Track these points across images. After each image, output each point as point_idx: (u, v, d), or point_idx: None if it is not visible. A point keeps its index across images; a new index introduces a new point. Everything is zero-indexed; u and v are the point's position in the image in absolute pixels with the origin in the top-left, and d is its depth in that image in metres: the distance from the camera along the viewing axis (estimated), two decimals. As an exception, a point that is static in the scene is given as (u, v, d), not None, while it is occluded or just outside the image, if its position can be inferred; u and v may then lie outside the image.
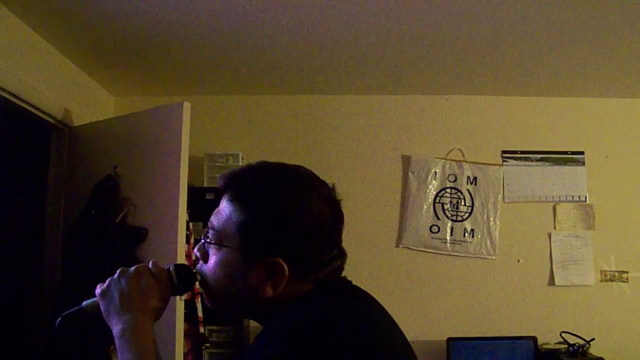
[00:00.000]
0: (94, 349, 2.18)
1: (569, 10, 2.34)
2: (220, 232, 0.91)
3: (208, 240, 0.92)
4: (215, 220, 0.93)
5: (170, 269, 1.00)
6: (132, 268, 0.97)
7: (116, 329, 0.92)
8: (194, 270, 0.99)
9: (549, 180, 3.43)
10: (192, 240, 2.74)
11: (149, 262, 0.99)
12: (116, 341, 0.91)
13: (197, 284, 0.98)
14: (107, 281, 0.97)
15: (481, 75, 3.16)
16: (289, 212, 0.87)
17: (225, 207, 0.92)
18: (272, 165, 0.95)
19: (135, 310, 0.92)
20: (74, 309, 0.99)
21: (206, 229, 0.95)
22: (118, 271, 0.97)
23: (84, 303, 0.99)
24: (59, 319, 0.98)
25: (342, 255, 0.93)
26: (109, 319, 0.94)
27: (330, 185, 0.94)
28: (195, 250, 0.96)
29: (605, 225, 3.38)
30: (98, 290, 0.97)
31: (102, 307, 0.95)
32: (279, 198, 0.89)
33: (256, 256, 0.87)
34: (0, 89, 2.25)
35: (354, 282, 0.95)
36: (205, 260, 0.94)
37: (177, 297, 2.26)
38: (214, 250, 0.92)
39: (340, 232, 0.93)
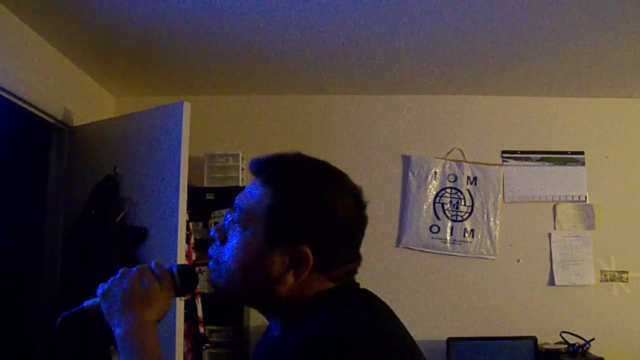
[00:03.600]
0: (94, 349, 2.18)
1: (568, 10, 2.34)
2: (247, 213, 0.87)
3: (234, 219, 0.89)
4: (242, 201, 0.89)
5: (173, 269, 0.99)
6: (134, 268, 0.95)
7: (118, 330, 0.90)
8: (198, 266, 0.99)
9: (549, 180, 3.43)
10: (192, 240, 2.74)
11: (151, 262, 0.98)
12: (118, 342, 0.89)
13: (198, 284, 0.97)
14: (108, 281, 0.95)
15: (481, 75, 3.16)
16: (324, 201, 0.86)
17: (254, 189, 0.89)
18: (308, 157, 0.93)
19: (138, 311, 0.91)
20: (75, 309, 0.98)
21: (228, 213, 0.92)
22: (120, 271, 0.95)
23: (84, 303, 0.98)
24: (59, 319, 0.97)
25: (358, 258, 0.92)
26: (111, 319, 0.92)
27: (359, 187, 0.93)
28: (212, 231, 0.93)
29: (605, 225, 3.38)
30: (99, 291, 0.95)
31: (104, 308, 0.93)
32: (316, 185, 0.87)
33: (282, 242, 0.84)
34: (1, 89, 2.25)
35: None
36: (223, 242, 0.91)
37: (177, 297, 2.26)
38: (237, 232, 0.88)
39: (362, 234, 0.92)
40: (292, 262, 0.84)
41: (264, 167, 0.90)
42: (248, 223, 0.87)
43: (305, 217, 0.85)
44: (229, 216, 0.91)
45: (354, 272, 0.92)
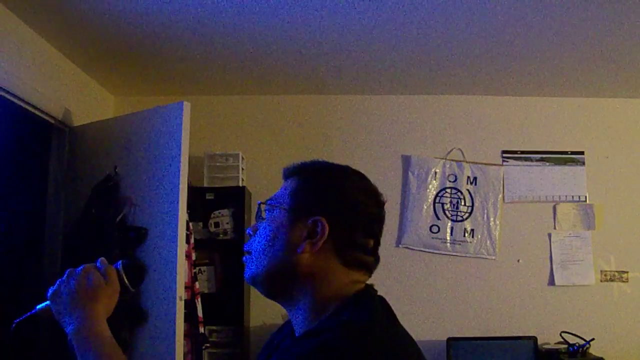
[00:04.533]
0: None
1: (568, 11, 2.35)
2: (275, 198, 0.96)
3: (263, 205, 0.96)
4: (273, 195, 0.98)
5: (118, 266, 1.04)
6: (80, 267, 1.01)
7: (69, 328, 0.95)
8: (144, 267, 1.04)
9: (549, 180, 3.43)
10: (192, 240, 2.74)
11: (97, 260, 1.04)
12: (71, 339, 0.94)
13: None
14: (56, 283, 1.00)
15: (481, 75, 3.16)
16: (338, 182, 0.94)
17: (283, 185, 0.98)
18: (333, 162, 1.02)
19: (85, 308, 0.96)
20: (28, 314, 1.02)
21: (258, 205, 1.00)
22: (66, 272, 1.01)
23: (37, 307, 1.02)
24: (13, 325, 1.01)
25: (375, 255, 0.95)
26: (61, 319, 0.97)
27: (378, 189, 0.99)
28: (248, 229, 0.99)
29: (605, 225, 3.38)
30: (49, 293, 1.00)
31: (54, 309, 0.98)
32: (332, 172, 0.96)
33: (301, 215, 0.91)
34: (1, 89, 2.25)
35: None
36: (255, 233, 0.97)
37: (177, 296, 2.26)
38: (266, 217, 0.95)
39: (380, 226, 0.96)
40: (309, 233, 0.89)
41: (292, 169, 0.98)
42: (275, 207, 0.94)
43: (323, 192, 0.93)
44: (261, 208, 0.98)
45: (370, 268, 0.95)
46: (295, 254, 0.89)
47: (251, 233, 0.98)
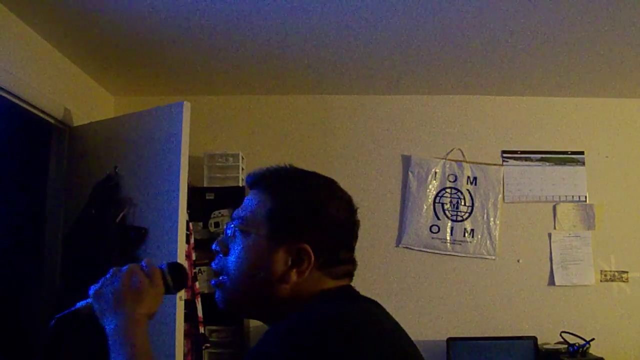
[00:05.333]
0: (96, 351, 2.18)
1: (568, 10, 2.35)
2: (248, 220, 0.91)
3: (234, 227, 0.92)
4: (240, 211, 0.93)
5: (163, 267, 1.01)
6: (125, 267, 0.99)
7: (109, 327, 0.93)
8: (193, 270, 1.00)
9: (549, 180, 3.43)
10: (192, 240, 2.74)
11: (142, 260, 1.01)
12: (109, 338, 0.92)
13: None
14: (99, 281, 0.98)
15: (481, 75, 3.16)
16: (317, 202, 0.91)
17: (252, 198, 0.93)
18: (301, 168, 0.98)
19: (128, 308, 0.94)
20: (69, 310, 1.00)
21: (227, 224, 0.96)
22: (110, 271, 0.99)
23: (78, 304, 1.00)
24: (54, 321, 0.99)
25: (353, 261, 0.94)
26: (103, 318, 0.95)
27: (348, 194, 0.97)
28: (214, 245, 0.95)
29: (605, 225, 3.38)
30: (91, 291, 0.98)
31: (96, 307, 0.96)
32: (309, 189, 0.92)
33: (283, 242, 0.87)
34: (1, 89, 2.25)
35: (354, 282, 0.96)
36: (226, 253, 0.93)
37: (177, 296, 2.26)
38: (239, 239, 0.91)
39: (355, 237, 0.95)
40: (294, 261, 0.87)
41: (260, 179, 0.95)
42: (249, 229, 0.90)
43: (304, 217, 0.89)
44: (231, 226, 0.94)
45: (352, 275, 0.94)
46: (280, 284, 0.87)
47: (219, 250, 0.94)
